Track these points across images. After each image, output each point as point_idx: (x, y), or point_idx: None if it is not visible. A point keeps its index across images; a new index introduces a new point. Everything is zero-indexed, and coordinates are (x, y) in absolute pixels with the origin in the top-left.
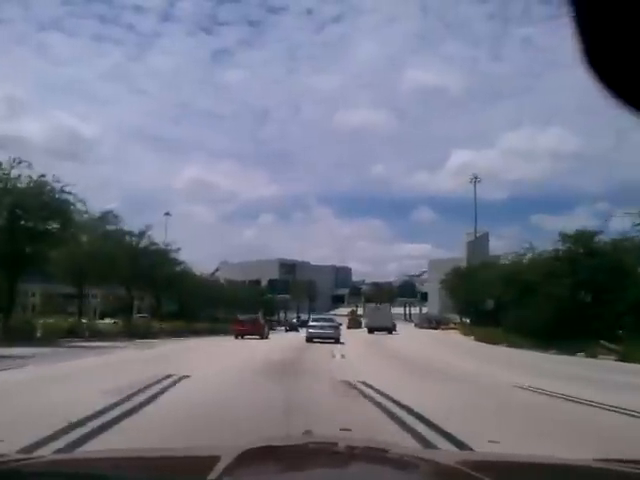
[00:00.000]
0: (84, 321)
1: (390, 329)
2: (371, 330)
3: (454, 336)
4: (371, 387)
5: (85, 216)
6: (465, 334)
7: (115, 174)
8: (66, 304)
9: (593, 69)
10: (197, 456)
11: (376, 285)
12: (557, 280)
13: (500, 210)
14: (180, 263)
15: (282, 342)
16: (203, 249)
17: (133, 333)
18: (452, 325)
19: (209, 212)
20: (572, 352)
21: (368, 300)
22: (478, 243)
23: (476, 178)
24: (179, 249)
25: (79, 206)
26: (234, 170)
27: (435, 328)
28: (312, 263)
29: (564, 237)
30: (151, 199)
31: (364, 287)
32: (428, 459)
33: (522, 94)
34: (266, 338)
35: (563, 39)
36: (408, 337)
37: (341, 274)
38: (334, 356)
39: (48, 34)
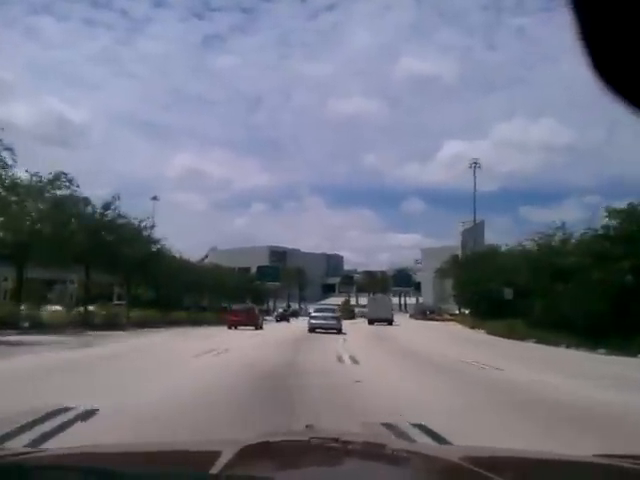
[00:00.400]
0: (22, 308)
1: (390, 320)
2: (371, 321)
3: (458, 329)
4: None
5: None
6: (472, 327)
7: (105, 161)
8: (46, 290)
9: (595, 67)
10: (198, 451)
11: (369, 274)
12: (610, 264)
13: (491, 202)
14: (155, 242)
15: (277, 334)
16: (195, 237)
17: (88, 324)
18: (447, 316)
19: (201, 200)
20: (632, 352)
21: (360, 289)
22: (473, 232)
23: (476, 164)
24: (154, 226)
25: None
26: (226, 158)
27: (431, 319)
28: (303, 251)
29: (612, 213)
30: (142, 186)
31: (356, 276)
32: (429, 455)
33: (515, 85)
34: (260, 328)
35: (556, 31)
36: (412, 330)
37: (332, 262)
38: (342, 361)
39: (39, 18)
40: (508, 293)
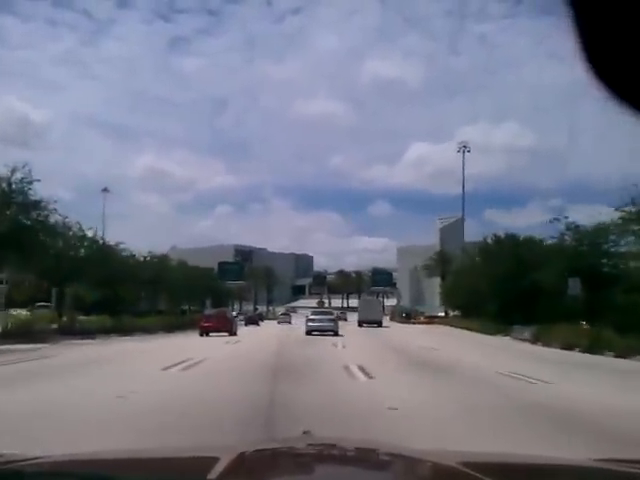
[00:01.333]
0: None
1: (380, 322)
2: (361, 323)
3: (477, 337)
4: None
5: None
6: (495, 333)
7: (67, 162)
8: None
9: (592, 69)
10: (196, 457)
11: (342, 274)
12: None
13: (456, 205)
14: (66, 230)
15: (255, 340)
16: (158, 239)
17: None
18: (422, 318)
19: (164, 201)
20: None
21: (333, 291)
22: (453, 228)
23: (465, 147)
24: (55, 209)
25: None
26: (190, 159)
27: (414, 322)
28: (270, 250)
29: None
30: (104, 186)
31: (329, 277)
32: (428, 459)
33: (479, 90)
34: (234, 334)
35: (518, 38)
36: (414, 334)
37: (302, 263)
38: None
39: (1, 17)
40: (574, 287)
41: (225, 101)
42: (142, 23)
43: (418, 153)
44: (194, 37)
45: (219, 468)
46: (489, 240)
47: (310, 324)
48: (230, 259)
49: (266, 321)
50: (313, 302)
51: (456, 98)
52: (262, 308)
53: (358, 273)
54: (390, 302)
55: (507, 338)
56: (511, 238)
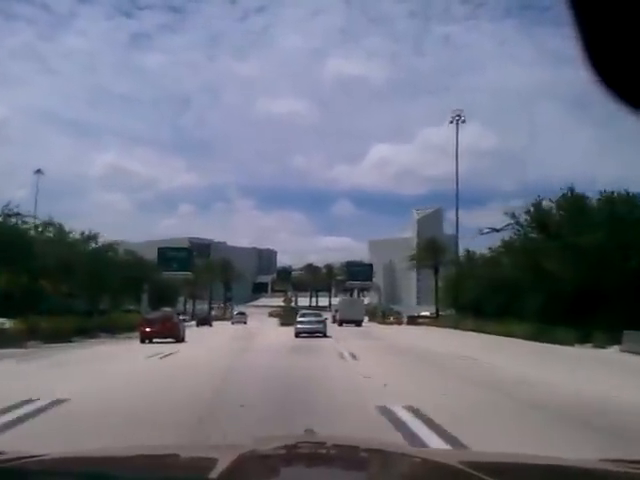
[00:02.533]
0: None
1: (360, 322)
2: (341, 323)
3: (535, 347)
4: None
5: None
6: (562, 341)
7: (24, 159)
8: None
9: (593, 68)
10: (197, 456)
11: (310, 269)
12: None
13: (418, 205)
14: None
15: (197, 352)
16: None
17: None
18: (393, 319)
19: (124, 199)
20: None
21: (299, 288)
22: (431, 220)
23: (459, 117)
24: None
25: None
26: (152, 157)
27: (393, 323)
28: (230, 244)
29: None
30: (64, 185)
31: (294, 273)
32: (429, 459)
33: (442, 91)
34: (182, 341)
35: (482, 39)
36: (434, 340)
37: (265, 258)
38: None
39: None
40: None
41: (188, 99)
42: (104, 18)
43: (381, 153)
44: (156, 34)
45: (220, 467)
46: (548, 202)
47: (299, 326)
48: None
49: (221, 322)
50: (276, 300)
51: (419, 99)
52: (219, 307)
53: (329, 267)
54: (367, 300)
55: (610, 351)
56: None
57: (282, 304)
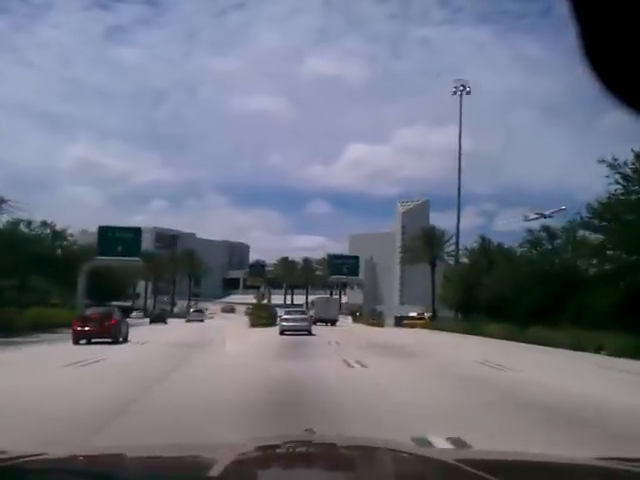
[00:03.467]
0: None
1: (335, 321)
2: (315, 322)
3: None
4: None
5: None
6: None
7: None
8: None
9: (593, 68)
10: (197, 455)
11: (286, 263)
12: None
13: (392, 206)
14: None
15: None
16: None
17: None
18: (373, 320)
19: (97, 194)
20: None
21: (273, 284)
22: (417, 213)
23: (464, 87)
24: None
25: None
26: (126, 152)
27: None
28: (200, 237)
29: None
30: (36, 178)
31: (269, 268)
32: (428, 457)
33: (419, 93)
34: (124, 341)
35: (459, 43)
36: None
37: (237, 253)
38: None
39: None
40: None
41: (163, 93)
42: (80, 10)
43: (357, 153)
44: (133, 27)
45: (221, 465)
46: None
47: (284, 324)
48: (150, 245)
49: (182, 320)
50: (249, 297)
51: (396, 100)
52: (182, 303)
53: (307, 261)
54: (351, 298)
55: None
56: None
57: (254, 301)
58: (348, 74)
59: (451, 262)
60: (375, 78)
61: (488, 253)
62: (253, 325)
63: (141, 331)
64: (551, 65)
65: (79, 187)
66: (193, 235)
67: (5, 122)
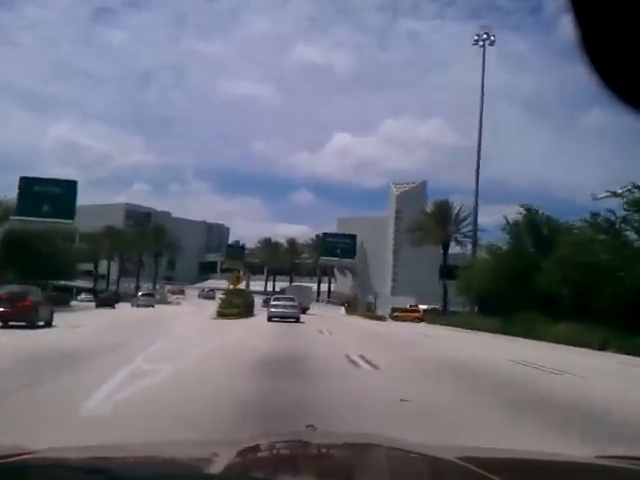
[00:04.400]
0: None
1: (306, 309)
2: None
3: None
4: None
5: None
6: None
7: None
8: None
9: (592, 66)
10: (198, 451)
11: (269, 245)
12: None
13: (375, 197)
14: None
15: None
16: None
17: None
18: (370, 312)
19: (79, 176)
20: None
21: (253, 270)
22: (413, 195)
23: (487, 35)
24: None
25: None
26: (109, 134)
27: (377, 318)
28: (176, 216)
29: None
30: (17, 158)
31: (249, 252)
32: (429, 455)
33: (406, 85)
34: (46, 326)
35: (448, 38)
36: None
37: (215, 235)
38: None
39: None
40: None
41: (149, 76)
42: None
43: (342, 143)
44: (120, 9)
45: (221, 462)
46: None
47: (272, 310)
48: (120, 223)
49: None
50: (226, 283)
51: (383, 92)
52: (148, 285)
53: (291, 243)
54: (339, 286)
55: None
56: None
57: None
58: (336, 63)
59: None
60: (363, 68)
61: (537, 229)
62: (220, 315)
63: (80, 316)
64: (536, 63)
65: (61, 168)
66: (168, 214)
67: None
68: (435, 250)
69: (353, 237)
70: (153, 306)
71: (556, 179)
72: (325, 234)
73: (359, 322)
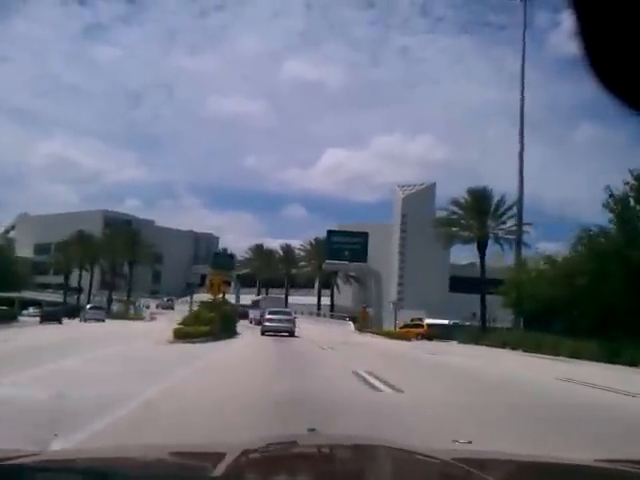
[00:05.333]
0: None
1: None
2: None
3: None
4: None
5: None
6: None
7: None
8: None
9: (593, 69)
10: (200, 454)
11: (262, 253)
12: None
13: (370, 212)
14: None
15: None
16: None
17: None
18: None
19: (70, 192)
20: None
21: (245, 282)
22: (420, 198)
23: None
24: None
25: None
26: (100, 151)
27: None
28: (159, 225)
29: None
30: (6, 175)
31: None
32: (430, 457)
33: (397, 101)
34: None
35: (438, 54)
36: None
37: (203, 245)
38: None
39: None
40: None
41: (140, 93)
42: (58, 5)
43: (334, 159)
44: (111, 25)
45: (224, 465)
46: None
47: (267, 324)
48: (97, 231)
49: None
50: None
51: (374, 108)
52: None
53: (286, 249)
54: (341, 298)
55: None
56: None
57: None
58: (327, 79)
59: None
60: (355, 84)
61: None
62: (180, 336)
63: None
64: (528, 78)
65: (51, 184)
66: (152, 222)
67: None
68: (442, 258)
69: (364, 235)
70: (104, 320)
71: (547, 191)
72: (330, 232)
73: (387, 345)
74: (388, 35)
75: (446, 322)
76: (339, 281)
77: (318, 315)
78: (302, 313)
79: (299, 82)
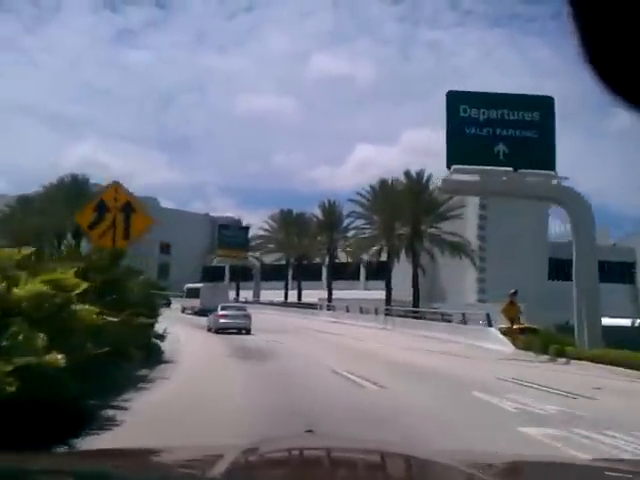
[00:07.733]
0: None
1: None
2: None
3: None
4: None
5: None
6: None
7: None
8: None
9: (593, 67)
10: (199, 455)
11: (286, 220)
12: None
13: None
14: None
15: None
16: None
17: None
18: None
19: None
20: None
21: (267, 275)
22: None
23: None
24: None
25: None
26: (132, 153)
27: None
28: (169, 207)
29: None
30: (41, 177)
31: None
32: (429, 459)
33: (427, 96)
34: None
35: (468, 47)
36: None
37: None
38: None
39: None
40: None
41: (171, 95)
42: (89, 12)
43: (364, 155)
44: (142, 30)
45: (222, 466)
46: None
47: (222, 320)
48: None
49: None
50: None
51: (405, 103)
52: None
53: (330, 210)
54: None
55: None
56: None
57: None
58: (357, 76)
59: None
60: (384, 80)
61: None
62: None
63: None
64: (559, 68)
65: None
66: (154, 200)
67: (13, 123)
68: (536, 232)
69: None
70: None
71: (582, 182)
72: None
73: None
74: (417, 30)
75: (627, 323)
76: (397, 264)
77: (361, 312)
78: (362, 311)
79: (328, 79)
